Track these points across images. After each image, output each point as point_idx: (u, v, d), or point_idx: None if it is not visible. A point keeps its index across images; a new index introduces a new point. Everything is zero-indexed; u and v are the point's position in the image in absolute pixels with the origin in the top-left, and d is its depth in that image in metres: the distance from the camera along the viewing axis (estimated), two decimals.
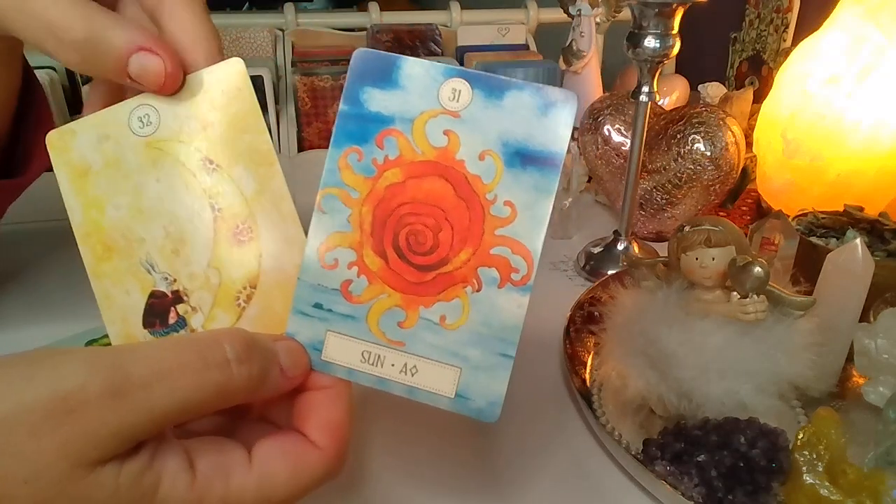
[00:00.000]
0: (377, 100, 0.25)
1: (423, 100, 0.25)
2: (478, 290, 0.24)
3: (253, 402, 0.26)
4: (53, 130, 0.28)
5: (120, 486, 0.20)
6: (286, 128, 0.72)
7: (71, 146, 0.27)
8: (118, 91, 0.30)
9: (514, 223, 0.24)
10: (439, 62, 0.26)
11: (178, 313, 0.27)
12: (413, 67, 0.25)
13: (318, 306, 0.25)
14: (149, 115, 0.27)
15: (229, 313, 0.27)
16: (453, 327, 0.25)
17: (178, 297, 0.27)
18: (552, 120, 0.24)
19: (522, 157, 0.24)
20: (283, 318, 0.26)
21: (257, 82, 0.70)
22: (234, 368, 0.22)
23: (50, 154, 0.28)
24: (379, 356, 0.25)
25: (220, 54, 0.28)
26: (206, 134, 0.27)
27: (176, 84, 0.26)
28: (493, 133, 0.24)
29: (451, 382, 0.25)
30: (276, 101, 0.72)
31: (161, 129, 0.27)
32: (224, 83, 0.27)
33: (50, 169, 0.29)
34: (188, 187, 0.27)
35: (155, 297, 0.27)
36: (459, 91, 0.25)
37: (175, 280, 0.27)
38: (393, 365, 0.25)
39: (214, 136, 0.27)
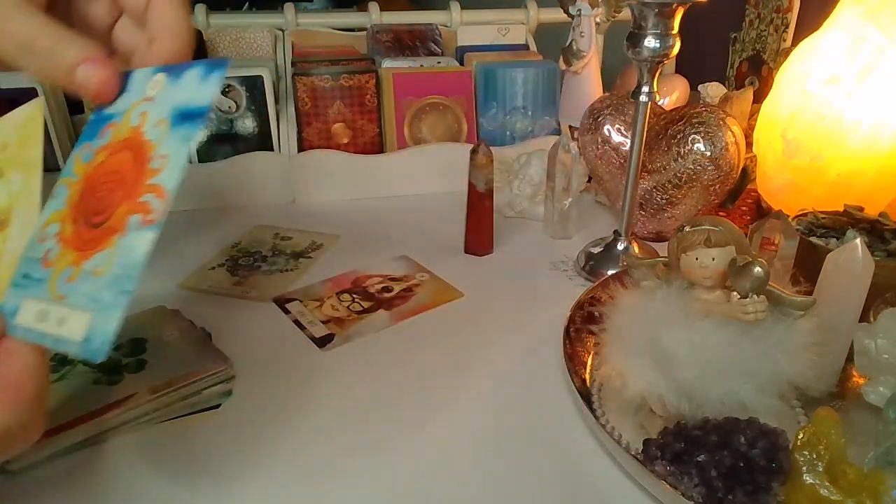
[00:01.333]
0: (112, 104, 0.30)
1: (135, 95, 0.30)
2: (123, 236, 0.27)
3: None
4: None
5: None
6: (286, 128, 0.72)
7: None
8: None
9: (162, 172, 0.27)
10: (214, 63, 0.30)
11: None
12: (137, 74, 0.30)
13: (26, 276, 0.28)
14: None
15: None
16: (100, 273, 0.27)
17: None
18: (208, 82, 0.28)
19: (183, 117, 0.28)
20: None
21: (257, 82, 0.70)
22: None
23: None
24: (47, 312, 0.27)
25: (188, 50, 0.31)
26: (6, 154, 0.31)
27: (112, 93, 0.30)
28: (168, 104, 0.29)
29: (84, 327, 0.26)
30: (276, 101, 0.72)
31: None
32: (24, 115, 0.32)
33: None
34: None
35: None
36: (159, 81, 0.30)
37: None
38: (52, 319, 0.27)
39: (9, 154, 0.31)
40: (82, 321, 0.26)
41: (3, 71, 0.35)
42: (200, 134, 0.29)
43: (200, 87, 0.29)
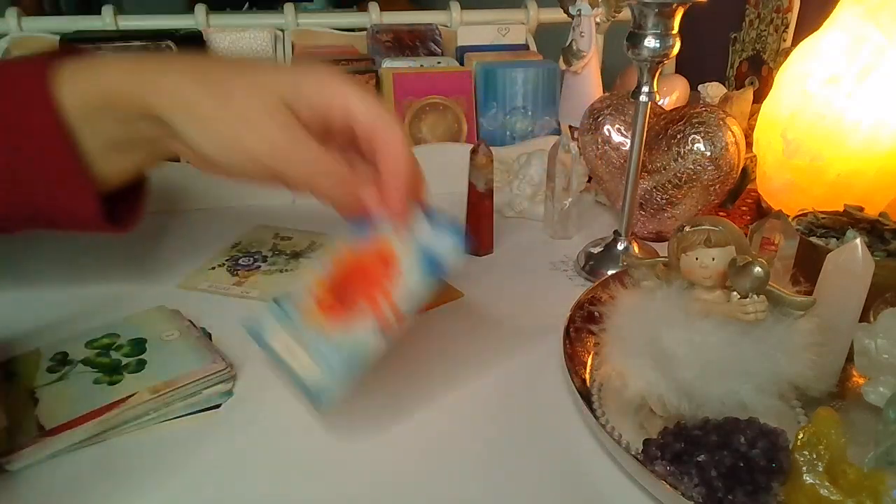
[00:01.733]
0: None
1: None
2: (361, 331, 0.35)
3: None
4: None
5: None
6: None
7: None
8: None
9: (402, 297, 0.35)
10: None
11: None
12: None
13: (281, 306, 0.38)
14: None
15: None
16: (337, 346, 0.35)
17: None
18: (455, 250, 0.36)
19: (429, 261, 0.36)
20: None
21: None
22: None
23: None
24: (292, 349, 0.36)
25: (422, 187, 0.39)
26: None
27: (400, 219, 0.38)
28: (421, 244, 0.37)
29: (314, 378, 0.35)
30: None
31: None
32: None
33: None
34: None
35: None
36: (418, 219, 0.38)
37: None
38: (294, 355, 0.36)
39: None
40: (315, 372, 0.35)
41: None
42: (437, 284, 0.36)
43: (448, 249, 0.37)
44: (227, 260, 0.58)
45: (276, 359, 0.36)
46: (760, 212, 0.65)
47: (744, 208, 0.67)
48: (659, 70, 0.47)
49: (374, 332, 0.35)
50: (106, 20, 0.78)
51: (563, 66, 0.72)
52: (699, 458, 0.32)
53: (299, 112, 0.37)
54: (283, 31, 0.82)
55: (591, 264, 0.56)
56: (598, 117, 0.62)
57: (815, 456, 0.31)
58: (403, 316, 0.35)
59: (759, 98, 0.68)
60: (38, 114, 0.37)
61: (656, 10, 0.44)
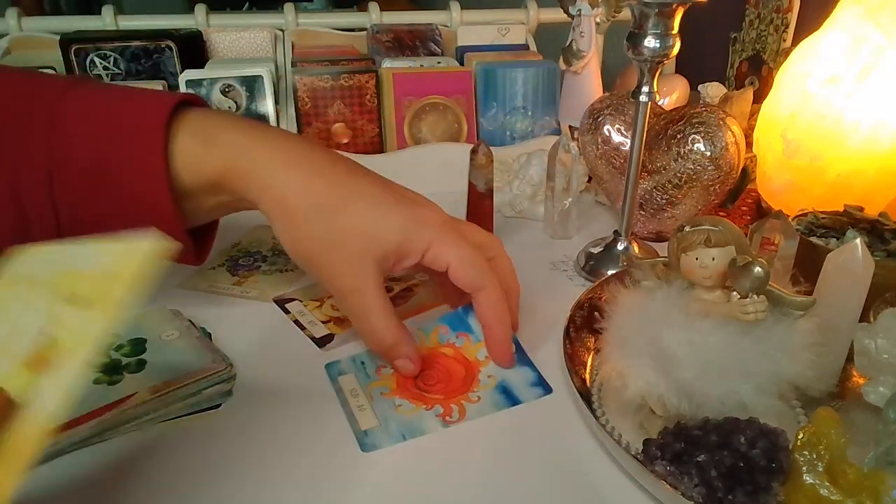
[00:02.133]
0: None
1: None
2: (428, 409, 0.40)
3: None
4: None
5: None
6: (286, 127, 0.72)
7: None
8: None
9: (475, 404, 0.40)
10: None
11: None
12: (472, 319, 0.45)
13: (362, 363, 0.44)
14: None
15: None
16: (401, 414, 0.40)
17: None
18: (533, 393, 0.42)
19: (505, 391, 0.41)
20: None
21: (257, 82, 0.70)
22: None
23: None
24: (354, 391, 0.42)
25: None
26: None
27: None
28: (503, 373, 0.43)
29: (372, 426, 0.39)
30: (276, 101, 0.72)
31: None
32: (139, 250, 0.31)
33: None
34: None
35: None
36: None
37: None
38: (356, 400, 0.41)
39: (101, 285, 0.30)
40: (373, 424, 0.39)
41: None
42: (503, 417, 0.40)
43: (525, 387, 0.42)
44: (227, 260, 0.58)
45: (341, 398, 0.41)
46: (760, 212, 0.65)
47: (744, 208, 0.67)
48: (659, 70, 0.47)
49: (436, 418, 0.39)
50: (106, 20, 0.78)
51: (563, 66, 0.72)
52: (699, 458, 0.32)
53: (392, 262, 0.40)
54: (283, 31, 0.82)
55: (591, 264, 0.56)
56: (598, 117, 0.62)
57: (815, 456, 0.31)
58: (466, 416, 0.39)
59: (759, 98, 0.68)
60: (151, 192, 0.39)
61: (656, 10, 0.44)
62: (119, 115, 0.40)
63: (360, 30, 0.85)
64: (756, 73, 0.84)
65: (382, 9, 0.84)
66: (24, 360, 0.27)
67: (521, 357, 0.44)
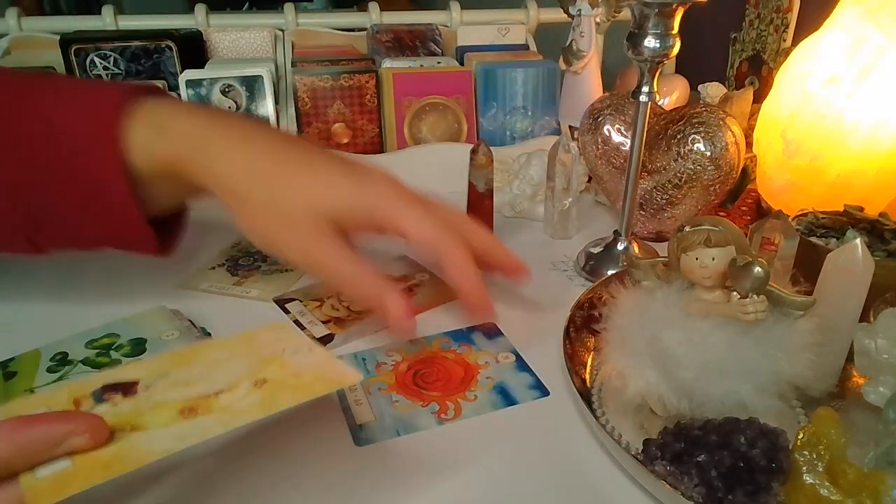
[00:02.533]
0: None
1: (488, 346, 0.47)
2: (424, 406, 0.40)
3: None
4: None
5: None
6: (286, 127, 0.72)
7: None
8: None
9: (472, 403, 0.40)
10: None
11: None
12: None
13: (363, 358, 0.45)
14: None
15: None
16: (397, 409, 0.40)
17: None
18: (530, 397, 0.41)
19: (503, 393, 0.41)
20: None
21: (257, 82, 0.70)
22: None
23: None
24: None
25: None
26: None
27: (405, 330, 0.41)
28: (502, 377, 0.43)
29: (368, 420, 0.39)
30: (276, 101, 0.72)
31: None
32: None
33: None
34: None
35: None
36: (509, 357, 0.45)
37: None
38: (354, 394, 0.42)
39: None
40: (369, 418, 0.39)
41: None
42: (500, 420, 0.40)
43: (523, 389, 0.42)
44: (227, 260, 0.58)
45: (339, 393, 0.41)
46: (760, 212, 0.65)
47: (744, 208, 0.67)
48: (659, 70, 0.47)
49: (431, 415, 0.39)
50: (106, 20, 0.78)
51: (563, 66, 0.72)
52: (699, 458, 0.32)
53: (347, 227, 0.40)
54: (282, 31, 0.82)
55: (591, 264, 0.56)
56: (598, 117, 0.62)
57: (815, 456, 0.31)
58: (461, 410, 0.40)
59: (759, 98, 0.68)
60: (106, 177, 0.40)
61: (656, 10, 0.44)
62: (81, 104, 0.41)
63: (360, 30, 0.85)
64: (756, 73, 0.84)
65: (382, 9, 0.84)
66: (185, 403, 0.29)
67: (520, 364, 0.44)
